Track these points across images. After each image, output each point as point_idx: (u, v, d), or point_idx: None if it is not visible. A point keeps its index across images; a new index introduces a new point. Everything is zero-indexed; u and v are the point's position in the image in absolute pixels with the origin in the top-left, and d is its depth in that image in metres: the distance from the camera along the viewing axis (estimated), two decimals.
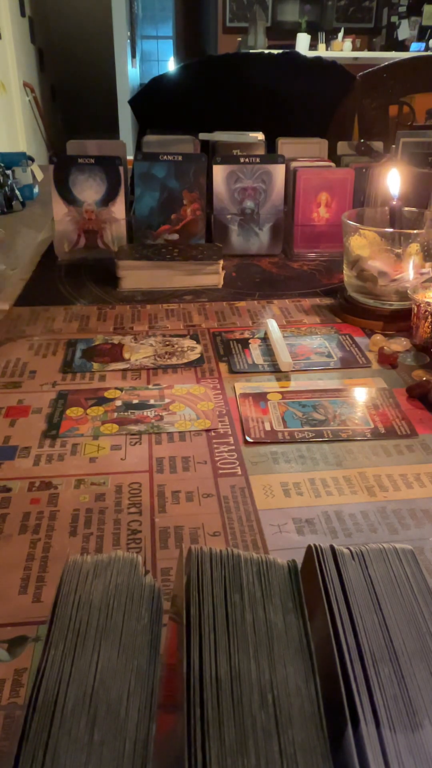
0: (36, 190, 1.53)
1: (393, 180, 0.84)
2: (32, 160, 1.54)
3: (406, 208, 0.86)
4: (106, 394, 0.67)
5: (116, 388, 0.68)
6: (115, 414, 0.64)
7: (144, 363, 0.74)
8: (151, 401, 0.66)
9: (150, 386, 0.69)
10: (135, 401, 0.66)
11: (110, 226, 1.07)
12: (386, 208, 0.86)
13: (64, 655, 0.29)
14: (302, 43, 4.93)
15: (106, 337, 0.80)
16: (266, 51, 1.50)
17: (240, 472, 0.55)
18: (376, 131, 1.63)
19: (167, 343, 0.79)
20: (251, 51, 3.72)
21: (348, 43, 5.11)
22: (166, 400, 0.66)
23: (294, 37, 4.97)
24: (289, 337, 0.80)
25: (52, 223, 1.09)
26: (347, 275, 0.86)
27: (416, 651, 0.29)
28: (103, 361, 0.74)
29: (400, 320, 0.80)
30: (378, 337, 0.78)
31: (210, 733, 0.25)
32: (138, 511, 0.50)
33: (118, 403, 0.66)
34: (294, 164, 1.08)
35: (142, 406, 0.65)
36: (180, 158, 1.06)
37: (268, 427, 0.61)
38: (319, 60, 1.42)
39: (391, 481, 0.54)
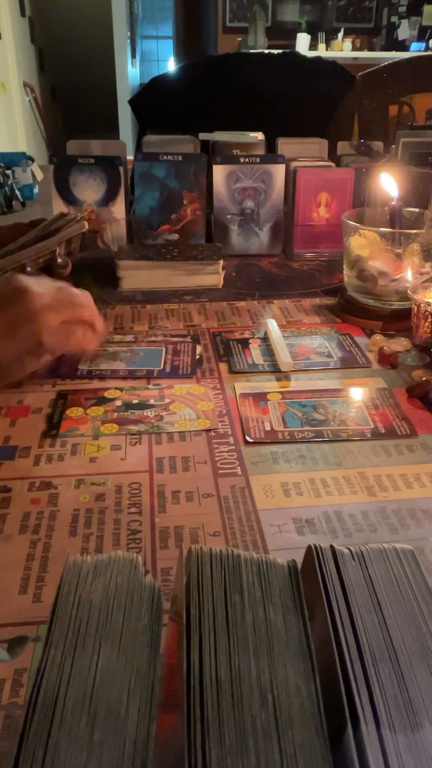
0: (36, 190, 1.53)
1: (386, 183, 0.84)
2: (32, 160, 1.54)
3: (406, 208, 0.86)
4: (106, 394, 0.67)
5: (116, 388, 0.68)
6: (115, 414, 0.64)
7: None
8: (151, 401, 0.66)
9: (150, 386, 0.69)
10: (135, 401, 0.66)
11: (110, 226, 1.07)
12: (386, 208, 0.86)
13: (64, 655, 0.29)
14: (302, 43, 4.93)
15: (107, 337, 0.80)
16: (266, 51, 1.50)
17: (240, 472, 0.55)
18: (376, 131, 1.63)
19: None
20: (251, 51, 3.72)
21: (348, 43, 5.11)
22: (166, 400, 0.66)
23: (294, 37, 4.97)
24: (289, 337, 0.80)
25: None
26: (347, 275, 0.86)
27: (416, 651, 0.29)
28: None
29: (400, 320, 0.80)
30: (378, 337, 0.78)
31: (210, 733, 0.25)
32: (138, 511, 0.50)
33: (118, 403, 0.66)
34: (294, 164, 1.08)
35: (142, 406, 0.65)
36: (180, 158, 1.06)
37: (268, 427, 0.61)
38: (318, 60, 1.42)
39: (391, 481, 0.54)
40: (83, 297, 0.64)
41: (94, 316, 0.65)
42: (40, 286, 0.60)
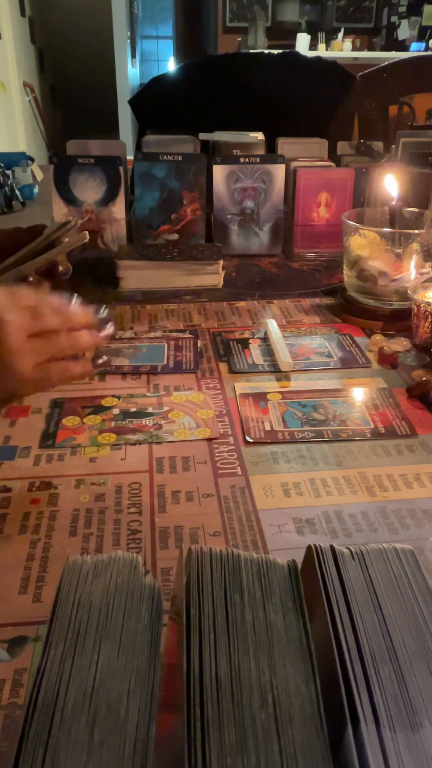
0: (36, 190, 1.53)
1: (387, 183, 0.84)
2: (32, 160, 1.54)
3: (406, 208, 0.86)
4: (103, 402, 0.65)
5: (113, 396, 0.67)
6: (113, 423, 0.62)
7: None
8: (150, 409, 0.64)
9: (148, 393, 0.68)
10: (133, 409, 0.64)
11: (110, 226, 1.07)
12: (386, 208, 0.86)
13: (64, 655, 0.29)
14: (302, 43, 4.93)
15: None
16: (266, 51, 1.50)
17: (240, 472, 0.55)
18: (376, 131, 1.63)
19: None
20: (251, 51, 3.72)
21: (348, 43, 5.10)
22: (165, 408, 0.65)
23: (294, 37, 4.97)
24: (289, 337, 0.80)
25: (53, 223, 1.09)
26: (347, 275, 0.86)
27: (416, 651, 0.29)
28: None
29: (400, 320, 0.80)
30: (378, 337, 0.78)
31: (210, 733, 0.25)
32: (138, 511, 0.50)
33: (116, 411, 0.64)
34: (294, 164, 1.08)
35: (140, 414, 0.63)
36: (180, 158, 1.05)
37: (268, 427, 0.61)
38: (319, 60, 1.42)
39: (391, 481, 0.54)
40: (65, 327, 0.53)
41: (77, 347, 0.55)
42: (10, 311, 0.51)
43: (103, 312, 0.60)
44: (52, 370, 0.53)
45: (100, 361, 0.59)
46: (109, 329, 0.60)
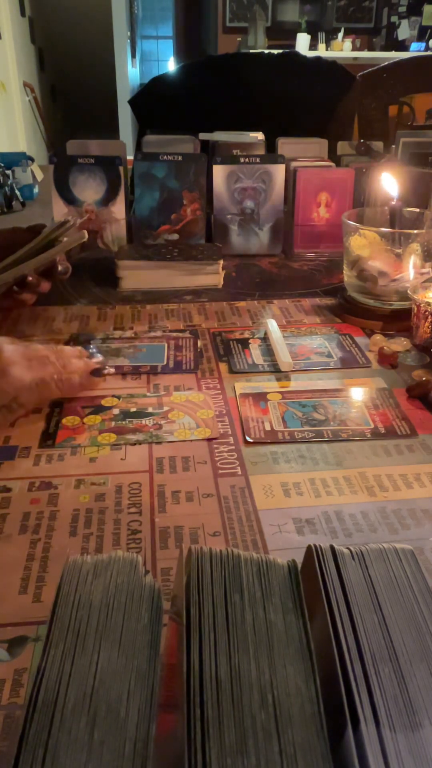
0: (36, 190, 1.53)
1: (387, 182, 0.84)
2: (32, 160, 1.54)
3: (406, 208, 0.86)
4: (103, 402, 0.65)
5: (113, 396, 0.67)
6: (113, 423, 0.62)
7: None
8: (150, 409, 0.64)
9: (148, 393, 0.67)
10: (133, 409, 0.64)
11: (110, 226, 1.08)
12: (386, 208, 0.86)
13: (64, 655, 0.29)
14: (302, 43, 4.93)
15: (107, 333, 0.80)
16: (266, 51, 1.50)
17: (240, 472, 0.55)
18: (376, 131, 1.63)
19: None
20: (251, 51, 3.72)
21: (348, 43, 5.11)
22: (165, 408, 0.64)
23: (294, 37, 4.97)
24: (289, 337, 0.80)
25: (52, 222, 1.09)
26: (347, 275, 0.86)
27: (416, 651, 0.29)
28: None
29: (400, 320, 0.80)
30: (378, 337, 0.78)
31: (210, 733, 0.25)
32: (138, 511, 0.50)
33: (116, 411, 0.64)
34: (294, 164, 1.08)
35: (141, 414, 0.63)
36: (180, 158, 1.06)
37: (268, 427, 0.61)
38: (318, 60, 1.42)
39: (391, 481, 0.54)
40: (54, 354, 0.64)
41: (69, 371, 0.64)
42: (8, 343, 0.61)
43: (92, 348, 0.70)
44: (50, 379, 0.62)
45: (105, 371, 0.69)
46: (99, 357, 0.71)
